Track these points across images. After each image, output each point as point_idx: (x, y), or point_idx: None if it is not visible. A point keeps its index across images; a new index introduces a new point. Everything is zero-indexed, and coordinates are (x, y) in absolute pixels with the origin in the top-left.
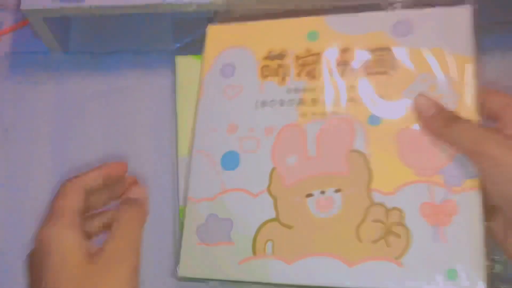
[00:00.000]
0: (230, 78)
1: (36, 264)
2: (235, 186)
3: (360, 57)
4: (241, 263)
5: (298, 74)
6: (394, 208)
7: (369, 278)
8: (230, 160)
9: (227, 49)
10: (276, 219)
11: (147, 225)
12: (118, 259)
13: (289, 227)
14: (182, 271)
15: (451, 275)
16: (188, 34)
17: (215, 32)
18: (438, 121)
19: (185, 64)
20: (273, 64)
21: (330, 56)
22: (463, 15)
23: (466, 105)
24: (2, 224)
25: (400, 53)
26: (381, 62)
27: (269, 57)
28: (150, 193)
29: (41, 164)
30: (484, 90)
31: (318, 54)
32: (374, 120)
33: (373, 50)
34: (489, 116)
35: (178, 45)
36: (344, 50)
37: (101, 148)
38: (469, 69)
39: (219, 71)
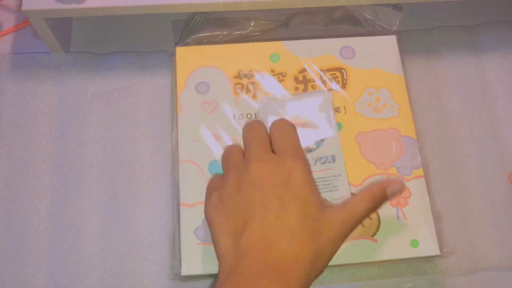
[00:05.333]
0: (205, 94)
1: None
2: None
3: (317, 75)
4: None
5: (267, 91)
6: None
7: (352, 254)
8: (218, 167)
9: (198, 68)
10: None
11: (147, 225)
12: (350, 224)
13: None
14: (185, 270)
15: (414, 244)
16: (187, 35)
17: (183, 54)
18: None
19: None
20: (244, 82)
21: (291, 75)
22: (391, 43)
23: (405, 112)
24: (2, 223)
25: (348, 72)
26: (335, 80)
27: (239, 76)
28: (150, 193)
29: (41, 164)
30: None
31: (281, 74)
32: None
33: (326, 70)
34: None
35: (178, 45)
36: (303, 70)
37: (101, 148)
38: (402, 84)
39: (194, 88)
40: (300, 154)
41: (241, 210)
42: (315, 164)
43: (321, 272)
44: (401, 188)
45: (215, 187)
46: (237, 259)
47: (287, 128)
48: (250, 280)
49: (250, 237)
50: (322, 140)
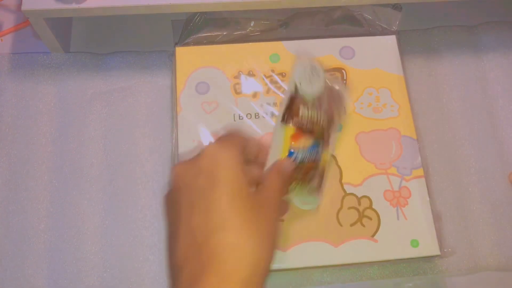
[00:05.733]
0: (205, 94)
1: (208, 187)
2: None
3: None
4: None
5: (267, 91)
6: (364, 196)
7: (353, 254)
8: None
9: (198, 68)
10: None
11: (147, 225)
12: (274, 204)
13: (280, 220)
14: None
15: (414, 244)
16: (187, 35)
17: (183, 54)
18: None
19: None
20: (244, 82)
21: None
22: (391, 43)
23: (405, 112)
24: (2, 223)
25: (348, 72)
26: (335, 80)
27: (239, 76)
28: (150, 193)
29: (41, 164)
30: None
31: (281, 74)
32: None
33: (326, 70)
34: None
35: (178, 45)
36: None
37: (101, 148)
38: (402, 84)
39: (194, 88)
40: (223, 143)
41: (172, 217)
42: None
43: (270, 262)
44: (291, 165)
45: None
46: (177, 270)
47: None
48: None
49: (184, 243)
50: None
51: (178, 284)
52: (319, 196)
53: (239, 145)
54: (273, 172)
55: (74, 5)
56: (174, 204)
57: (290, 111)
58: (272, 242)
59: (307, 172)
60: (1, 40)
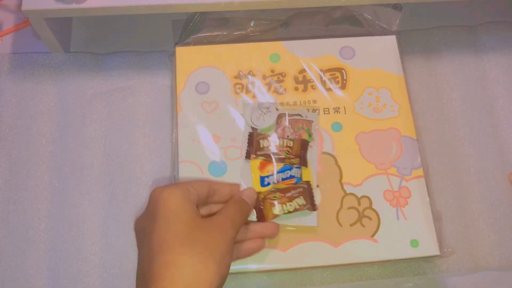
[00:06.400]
0: (205, 94)
1: (149, 220)
2: None
3: (317, 76)
4: None
5: (267, 91)
6: (363, 196)
7: (352, 254)
8: (218, 168)
9: (198, 68)
10: None
11: None
12: (223, 227)
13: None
14: None
15: (414, 244)
16: (187, 35)
17: (183, 54)
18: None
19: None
20: (244, 82)
21: (291, 76)
22: (391, 43)
23: (405, 112)
24: (2, 223)
25: (348, 72)
26: (335, 80)
27: (239, 76)
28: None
29: (41, 164)
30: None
31: (281, 74)
32: (336, 127)
33: (326, 70)
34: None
35: (178, 45)
36: (303, 70)
37: (102, 147)
38: (402, 84)
39: (194, 88)
40: (165, 186)
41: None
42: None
43: (214, 278)
44: (253, 191)
45: None
46: (136, 281)
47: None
48: None
49: (140, 259)
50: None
51: None
52: (314, 210)
53: (182, 185)
54: (231, 200)
55: (74, 5)
56: (138, 242)
57: (251, 147)
58: (217, 260)
59: (286, 191)
60: (1, 40)
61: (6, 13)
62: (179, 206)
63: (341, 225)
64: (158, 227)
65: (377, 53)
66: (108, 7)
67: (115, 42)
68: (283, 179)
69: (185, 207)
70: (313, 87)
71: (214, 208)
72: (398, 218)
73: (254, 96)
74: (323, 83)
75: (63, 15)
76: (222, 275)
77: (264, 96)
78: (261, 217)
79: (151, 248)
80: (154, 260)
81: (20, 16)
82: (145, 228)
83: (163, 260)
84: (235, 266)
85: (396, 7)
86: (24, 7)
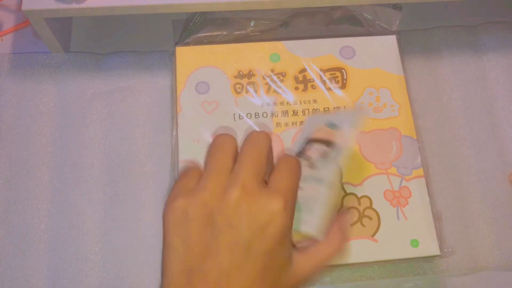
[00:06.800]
0: (205, 94)
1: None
2: None
3: (317, 75)
4: None
5: (267, 91)
6: (364, 196)
7: (353, 254)
8: None
9: (198, 68)
10: None
11: (147, 225)
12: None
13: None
14: None
15: (414, 244)
16: (187, 34)
17: (183, 54)
18: None
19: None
20: (244, 82)
21: (291, 75)
22: (391, 42)
23: (405, 111)
24: (3, 223)
25: (348, 72)
26: (335, 80)
27: (239, 76)
28: (150, 193)
29: (41, 164)
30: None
31: (281, 74)
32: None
33: (326, 70)
34: None
35: (178, 45)
36: (303, 70)
37: (102, 148)
38: (402, 84)
39: (194, 88)
40: (290, 201)
41: (203, 242)
42: (305, 181)
43: None
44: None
45: (185, 191)
46: (167, 283)
47: (294, 165)
48: None
49: (202, 278)
50: (326, 160)
51: None
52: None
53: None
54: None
55: (74, 5)
56: (215, 227)
57: None
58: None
59: None
60: (1, 40)
61: (6, 13)
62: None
63: None
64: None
65: (377, 52)
66: (108, 7)
67: (115, 42)
68: None
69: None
70: (313, 87)
71: None
72: (398, 218)
73: (254, 96)
74: (323, 82)
75: (63, 15)
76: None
77: (264, 96)
78: None
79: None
80: (206, 264)
81: (20, 16)
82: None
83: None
84: None
85: (396, 7)
86: (24, 7)
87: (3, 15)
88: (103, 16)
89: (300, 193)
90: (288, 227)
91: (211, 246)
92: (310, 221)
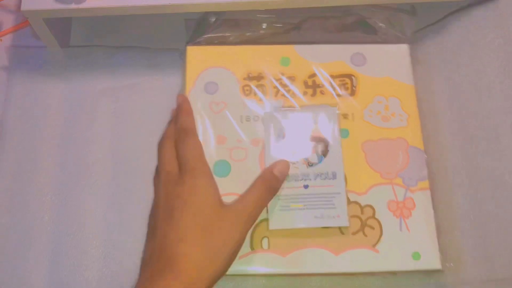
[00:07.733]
0: (213, 94)
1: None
2: (229, 191)
3: (327, 81)
4: (242, 258)
5: (275, 94)
6: (367, 205)
7: (353, 263)
8: (222, 168)
9: (208, 68)
10: (268, 219)
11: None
12: (241, 219)
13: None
14: None
15: (416, 256)
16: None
17: (194, 53)
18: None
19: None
20: (253, 84)
21: (301, 80)
22: (403, 51)
23: (414, 122)
24: (4, 223)
25: (358, 79)
26: (344, 86)
27: (248, 78)
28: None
29: (47, 157)
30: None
31: (290, 78)
32: (343, 133)
33: (336, 76)
34: None
35: (189, 44)
36: (313, 75)
37: (107, 143)
38: (412, 94)
39: (203, 88)
40: (197, 166)
41: (155, 220)
42: (315, 179)
43: (221, 268)
44: (286, 165)
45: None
46: (143, 265)
47: (190, 143)
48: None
49: (152, 245)
50: (324, 155)
51: (142, 277)
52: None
53: (207, 169)
54: (259, 177)
55: (73, 6)
56: (158, 195)
57: None
58: (226, 258)
59: None
60: (1, 40)
61: (5, 13)
62: (206, 196)
63: (343, 233)
64: (186, 217)
65: (389, 61)
66: (107, 8)
67: (123, 38)
68: None
69: (211, 198)
70: (322, 92)
71: None
72: (401, 229)
73: (262, 99)
74: (333, 88)
75: (63, 15)
76: (225, 271)
77: (272, 99)
78: None
79: (171, 234)
80: (168, 249)
81: (20, 16)
82: (179, 204)
83: (177, 251)
84: (234, 268)
85: (411, 11)
86: (23, 7)
87: (3, 15)
88: (103, 16)
89: (311, 191)
90: (204, 184)
91: (156, 221)
92: (339, 214)
